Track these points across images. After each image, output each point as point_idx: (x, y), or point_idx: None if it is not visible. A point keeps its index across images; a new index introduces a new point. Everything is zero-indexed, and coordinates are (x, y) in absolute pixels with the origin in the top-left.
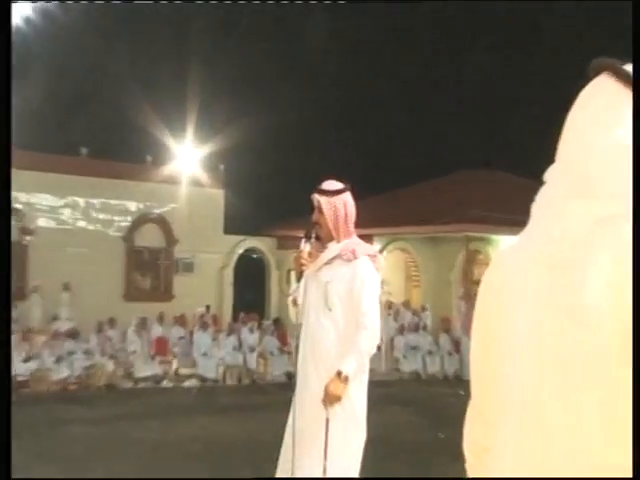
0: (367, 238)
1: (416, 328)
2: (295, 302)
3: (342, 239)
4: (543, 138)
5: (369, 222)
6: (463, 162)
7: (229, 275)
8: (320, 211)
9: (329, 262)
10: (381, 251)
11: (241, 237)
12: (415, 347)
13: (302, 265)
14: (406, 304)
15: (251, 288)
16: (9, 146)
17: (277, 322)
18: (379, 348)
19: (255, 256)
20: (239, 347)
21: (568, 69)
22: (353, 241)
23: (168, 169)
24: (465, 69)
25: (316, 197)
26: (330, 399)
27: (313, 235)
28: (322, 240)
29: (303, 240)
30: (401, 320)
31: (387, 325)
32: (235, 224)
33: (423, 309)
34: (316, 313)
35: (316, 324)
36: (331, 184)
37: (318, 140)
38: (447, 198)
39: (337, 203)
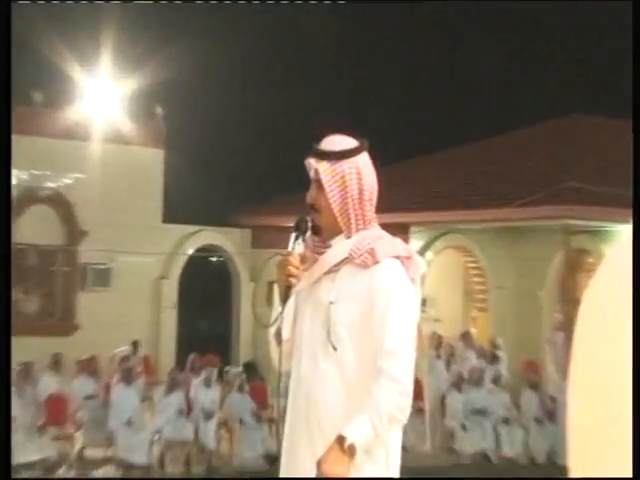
0: (398, 229)
1: (482, 379)
2: (280, 337)
3: (354, 231)
4: None
5: (401, 203)
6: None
7: (171, 291)
8: (319, 186)
9: (333, 269)
10: (423, 252)
11: (192, 227)
12: (481, 411)
13: (291, 276)
14: (466, 339)
15: (208, 312)
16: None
17: (250, 369)
18: (418, 411)
19: (215, 259)
20: (187, 412)
21: None
22: (372, 234)
23: (69, 114)
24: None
25: (312, 163)
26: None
27: (308, 226)
28: (322, 234)
29: (292, 235)
30: (458, 366)
31: (434, 374)
32: (182, 207)
33: (494, 347)
34: (313, 354)
35: (313, 372)
36: (336, 141)
37: (309, 73)
38: (530, 163)
39: (346, 173)
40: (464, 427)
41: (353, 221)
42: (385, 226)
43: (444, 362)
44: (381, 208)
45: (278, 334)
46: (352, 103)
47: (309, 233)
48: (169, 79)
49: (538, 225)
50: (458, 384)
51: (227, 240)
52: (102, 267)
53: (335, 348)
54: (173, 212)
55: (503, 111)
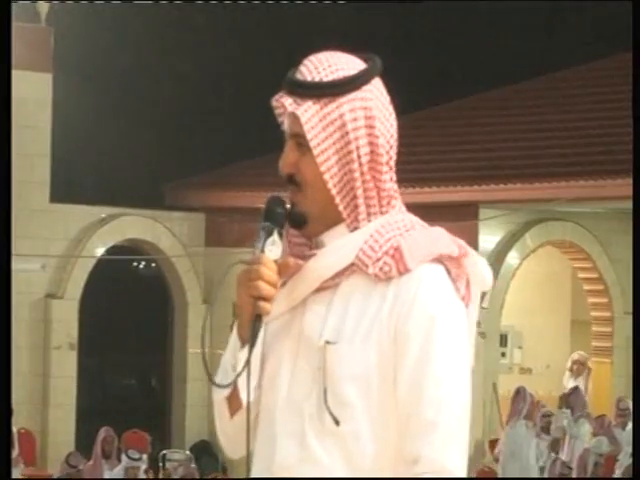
0: (458, 213)
1: (602, 473)
2: (235, 403)
3: (364, 219)
4: None
5: (462, 170)
6: None
7: (67, 320)
8: (299, 144)
9: (329, 285)
10: (501, 252)
11: (101, 210)
12: None
13: (262, 298)
14: (572, 401)
15: (131, 357)
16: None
17: (203, 455)
18: None
19: (142, 265)
20: None
21: None
22: (394, 223)
23: None
24: None
25: (286, 105)
26: None
27: (285, 212)
28: (307, 225)
29: (261, 228)
30: (560, 446)
31: (520, 458)
32: (83, 176)
33: (622, 415)
34: (297, 430)
35: (298, 462)
36: (327, 64)
37: None
38: None
39: (348, 118)
40: None
41: (362, 201)
42: (436, 207)
43: (536, 440)
44: (429, 178)
45: (234, 398)
46: None
47: (285, 225)
48: None
49: None
50: (561, 474)
51: (163, 232)
52: None
53: (337, 422)
54: (69, 185)
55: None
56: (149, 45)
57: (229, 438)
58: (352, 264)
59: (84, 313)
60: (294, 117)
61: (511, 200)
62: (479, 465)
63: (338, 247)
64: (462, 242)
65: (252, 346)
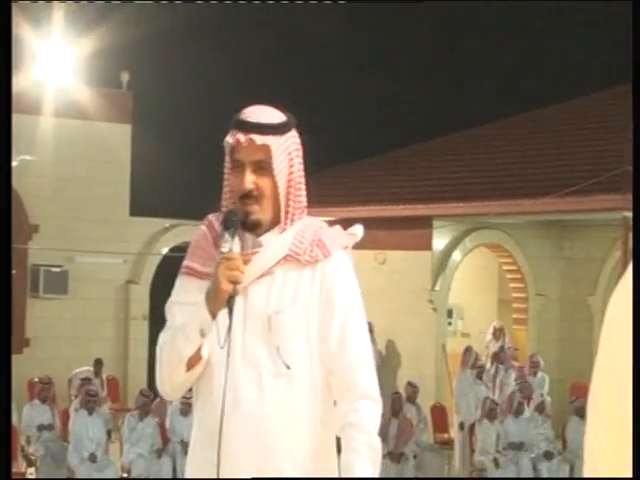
0: (418, 224)
1: (520, 407)
2: (193, 359)
3: (290, 223)
4: None
5: (421, 192)
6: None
7: (141, 299)
8: (258, 168)
9: (267, 272)
10: (449, 251)
11: (166, 222)
12: (520, 445)
13: (237, 282)
14: (500, 358)
15: None
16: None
17: None
18: (442, 444)
19: None
20: (163, 443)
21: None
22: (310, 224)
23: (15, 82)
24: None
25: (254, 139)
26: None
27: (237, 221)
28: (260, 229)
29: (225, 232)
30: (490, 391)
31: (462, 400)
32: (154, 197)
33: (534, 367)
34: (255, 377)
35: (258, 399)
36: (268, 113)
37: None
38: (580, 142)
39: (292, 149)
40: (496, 463)
41: (291, 209)
42: (402, 220)
43: (473, 385)
44: (398, 198)
45: (194, 356)
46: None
47: (238, 228)
48: (136, 38)
49: (590, 219)
50: (491, 412)
51: None
52: (57, 270)
53: (288, 367)
54: (143, 203)
55: (541, 79)
56: (201, 91)
57: (175, 386)
58: (285, 256)
59: (153, 294)
60: (259, 148)
61: (456, 214)
62: (432, 401)
63: (274, 244)
64: (347, 234)
65: (231, 317)
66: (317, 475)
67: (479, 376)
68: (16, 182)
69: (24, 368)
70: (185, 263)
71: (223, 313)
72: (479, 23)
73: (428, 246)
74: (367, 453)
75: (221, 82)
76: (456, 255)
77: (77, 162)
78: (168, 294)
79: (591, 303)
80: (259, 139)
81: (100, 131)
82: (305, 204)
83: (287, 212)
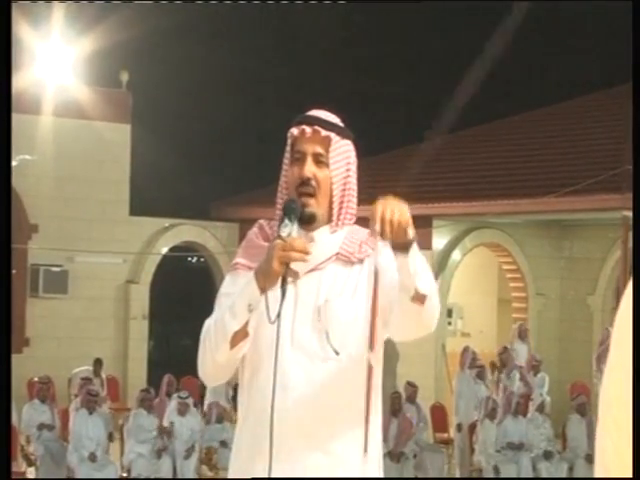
0: (417, 224)
1: (520, 406)
2: (238, 336)
3: (342, 225)
4: None
5: (421, 191)
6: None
7: (141, 299)
8: (318, 161)
9: (318, 268)
10: (448, 250)
11: (166, 221)
12: (519, 446)
13: (290, 262)
14: (500, 357)
15: (186, 324)
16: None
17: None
18: (442, 443)
19: (195, 260)
20: (163, 445)
21: None
22: (357, 229)
23: (15, 82)
24: None
25: (318, 130)
26: (398, 225)
27: (297, 208)
28: (315, 222)
29: (286, 221)
30: (490, 390)
31: (462, 399)
32: (154, 196)
33: (534, 368)
34: (305, 362)
35: (306, 386)
36: (332, 116)
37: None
38: (580, 141)
39: (350, 153)
40: (495, 466)
41: (343, 212)
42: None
43: (473, 385)
44: (397, 197)
45: (239, 333)
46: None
47: (295, 220)
48: (136, 37)
49: (589, 218)
50: (491, 412)
51: (209, 237)
52: (57, 270)
53: (337, 352)
54: (143, 203)
55: (541, 80)
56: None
57: (217, 367)
58: (336, 254)
59: (153, 294)
60: (322, 140)
61: (455, 214)
62: (431, 401)
63: (326, 242)
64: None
65: (283, 297)
66: (363, 460)
67: (479, 376)
68: (15, 181)
69: (24, 368)
70: (234, 261)
71: (274, 295)
72: (479, 22)
73: (428, 245)
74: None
75: (221, 82)
76: (456, 255)
77: (77, 162)
78: (168, 294)
79: (591, 303)
80: (324, 131)
81: (100, 131)
82: (355, 212)
83: (340, 213)
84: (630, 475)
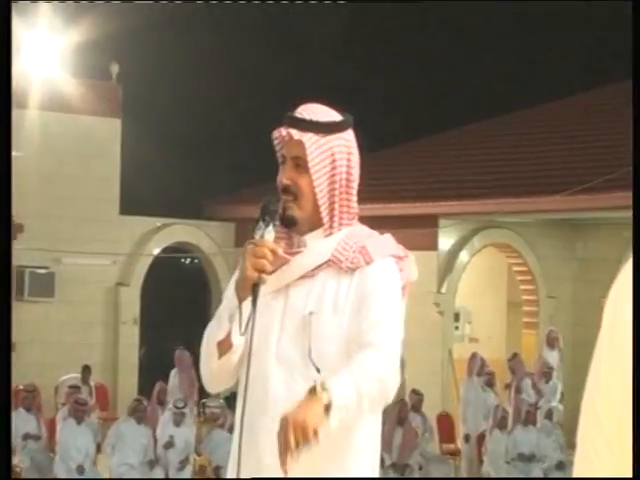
0: (422, 223)
1: (531, 415)
2: (224, 345)
3: (337, 227)
4: None
5: (426, 189)
6: None
7: (131, 302)
8: (296, 165)
9: (309, 274)
10: (456, 251)
11: (158, 221)
12: (530, 457)
13: (263, 271)
14: (511, 364)
15: (179, 329)
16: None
17: (234, 402)
18: (449, 455)
19: (188, 261)
20: (156, 457)
21: None
22: (358, 232)
23: None
24: None
25: (292, 134)
26: (296, 430)
27: (274, 211)
28: (296, 226)
29: (260, 220)
30: (500, 398)
31: (470, 408)
32: (145, 194)
33: (545, 375)
34: (287, 375)
35: (289, 397)
36: (319, 110)
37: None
38: (592, 136)
39: (336, 150)
40: (506, 474)
41: (337, 213)
42: (406, 218)
43: (481, 394)
44: (401, 196)
45: (225, 342)
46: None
47: (277, 224)
48: (126, 27)
49: (604, 217)
50: (500, 421)
51: (204, 237)
52: (43, 272)
53: (318, 370)
54: (134, 201)
55: (552, 73)
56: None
57: (213, 375)
58: (328, 260)
59: (144, 297)
60: (296, 143)
61: (463, 213)
62: (438, 410)
63: (317, 248)
64: (402, 247)
65: (254, 305)
66: None
67: (488, 383)
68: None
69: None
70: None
71: (261, 303)
72: (479, 21)
73: (434, 246)
74: (350, 386)
75: (217, 76)
76: (463, 256)
77: (64, 158)
78: (160, 297)
79: (603, 305)
80: (296, 134)
81: (88, 125)
82: (356, 210)
83: (332, 216)
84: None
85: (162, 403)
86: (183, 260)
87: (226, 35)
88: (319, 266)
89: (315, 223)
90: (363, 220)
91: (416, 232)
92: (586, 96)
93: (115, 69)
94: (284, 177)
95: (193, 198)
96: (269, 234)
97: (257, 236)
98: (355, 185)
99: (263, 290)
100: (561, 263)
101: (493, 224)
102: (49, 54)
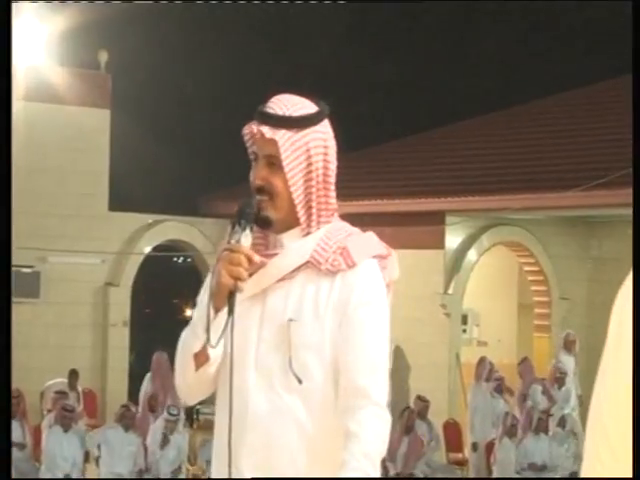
0: (429, 220)
1: (543, 423)
2: (200, 358)
3: (315, 225)
4: None
5: (432, 184)
6: None
7: (121, 303)
8: (270, 163)
9: (287, 277)
10: (464, 250)
11: (149, 217)
12: (542, 467)
13: (239, 279)
14: (521, 369)
15: (172, 331)
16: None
17: None
18: (456, 464)
19: (181, 260)
20: (146, 466)
21: None
22: (338, 229)
23: None
24: None
25: (264, 132)
26: None
27: (250, 213)
28: (271, 227)
29: (237, 224)
30: (510, 405)
31: (479, 416)
32: (135, 190)
33: (558, 380)
34: (268, 385)
35: (272, 409)
36: (291, 103)
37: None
38: (606, 129)
39: (311, 146)
40: None
41: (314, 211)
42: (412, 215)
43: (490, 400)
44: (407, 191)
45: (201, 354)
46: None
47: (251, 226)
48: (115, 14)
49: (619, 214)
50: (510, 429)
51: (198, 235)
52: (28, 271)
53: (300, 381)
54: (124, 196)
55: (564, 64)
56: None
57: (189, 386)
58: (307, 262)
59: (135, 298)
60: (269, 141)
61: (471, 209)
62: (444, 417)
63: (296, 249)
64: (384, 244)
65: (230, 314)
66: None
67: (497, 389)
68: None
69: None
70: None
71: (238, 310)
72: (479, 20)
73: (440, 244)
74: (357, 465)
75: (211, 65)
76: (471, 255)
77: (50, 151)
78: (150, 297)
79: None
80: (268, 132)
81: (76, 116)
82: (335, 206)
83: (309, 214)
84: None
85: (153, 410)
86: (176, 259)
87: (220, 25)
88: (298, 268)
89: (292, 222)
90: (364, 217)
91: (421, 230)
92: (604, 85)
93: (104, 57)
94: (257, 177)
95: (187, 193)
96: (246, 238)
97: (233, 241)
98: (333, 180)
99: (240, 296)
100: (575, 263)
101: (503, 221)
102: (34, 41)
